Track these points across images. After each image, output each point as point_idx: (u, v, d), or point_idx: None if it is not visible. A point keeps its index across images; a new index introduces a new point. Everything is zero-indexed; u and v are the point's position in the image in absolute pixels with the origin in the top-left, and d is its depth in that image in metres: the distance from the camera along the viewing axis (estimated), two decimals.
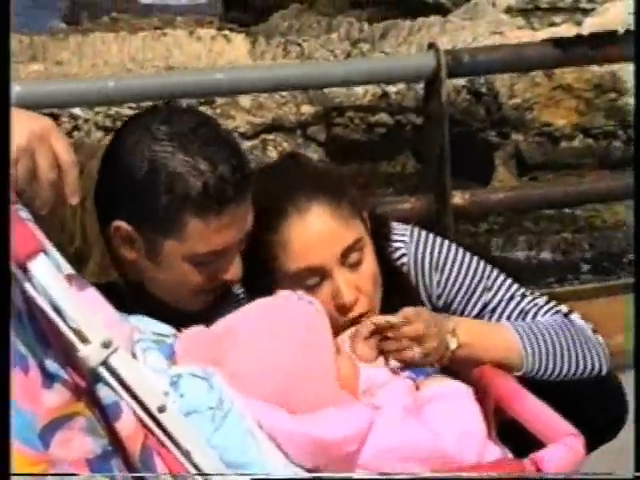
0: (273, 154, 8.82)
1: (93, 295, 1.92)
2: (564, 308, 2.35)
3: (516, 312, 2.32)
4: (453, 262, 2.34)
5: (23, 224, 1.69)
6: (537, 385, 2.16)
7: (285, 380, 1.87)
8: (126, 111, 7.22)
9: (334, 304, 2.13)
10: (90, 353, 1.66)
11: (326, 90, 8.15)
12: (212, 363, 1.88)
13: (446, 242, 2.38)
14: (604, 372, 2.29)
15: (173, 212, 1.95)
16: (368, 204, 2.40)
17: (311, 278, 2.14)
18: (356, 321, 2.14)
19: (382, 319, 2.09)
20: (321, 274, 2.14)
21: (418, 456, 1.88)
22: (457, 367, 2.18)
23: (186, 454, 1.71)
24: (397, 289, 2.30)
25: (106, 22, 11.01)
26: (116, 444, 1.72)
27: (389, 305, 2.22)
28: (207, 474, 1.72)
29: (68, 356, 1.71)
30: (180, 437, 1.71)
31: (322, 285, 2.14)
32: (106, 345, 1.67)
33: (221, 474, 1.75)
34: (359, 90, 8.12)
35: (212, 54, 8.84)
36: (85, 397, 1.73)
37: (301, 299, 1.97)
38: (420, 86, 8.02)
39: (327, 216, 2.12)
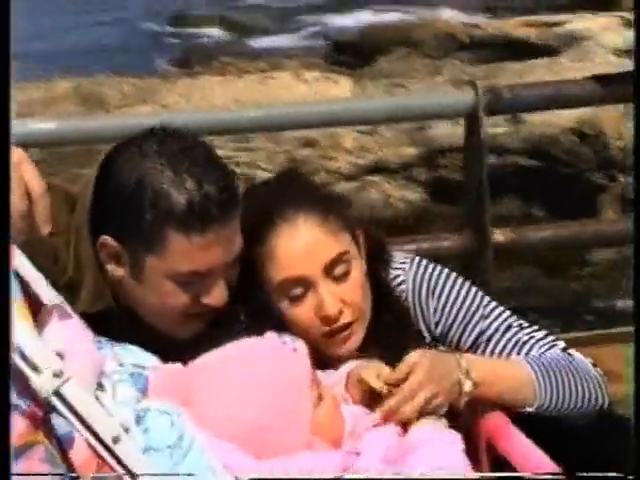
0: (374, 196, 8.77)
1: (73, 325, 1.89)
2: (561, 343, 2.30)
3: (512, 342, 2.28)
4: (450, 289, 2.31)
5: None
6: (540, 420, 2.14)
7: (253, 426, 1.83)
8: None
9: (318, 316, 2.11)
10: (42, 382, 1.64)
11: (429, 132, 8.10)
12: (182, 400, 1.85)
13: (445, 270, 2.35)
14: (605, 405, 2.25)
15: (156, 227, 1.92)
16: (366, 226, 2.37)
17: (295, 288, 2.12)
18: (341, 330, 2.14)
19: (376, 382, 2.01)
20: (305, 285, 2.11)
21: None
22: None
23: None
24: (394, 316, 2.28)
25: (216, 65, 11.09)
26: (72, 473, 1.69)
27: (386, 332, 2.23)
28: None
29: (26, 385, 1.67)
30: (136, 468, 1.67)
31: (307, 296, 2.12)
32: (57, 375, 1.64)
33: None
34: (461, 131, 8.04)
35: (317, 96, 8.79)
36: (42, 426, 1.69)
37: (284, 344, 1.94)
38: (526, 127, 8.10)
39: (313, 228, 2.11)
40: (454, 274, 2.36)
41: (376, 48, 10.80)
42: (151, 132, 2.06)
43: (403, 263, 2.34)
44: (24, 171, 1.73)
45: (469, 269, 3.88)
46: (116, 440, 1.67)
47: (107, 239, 1.98)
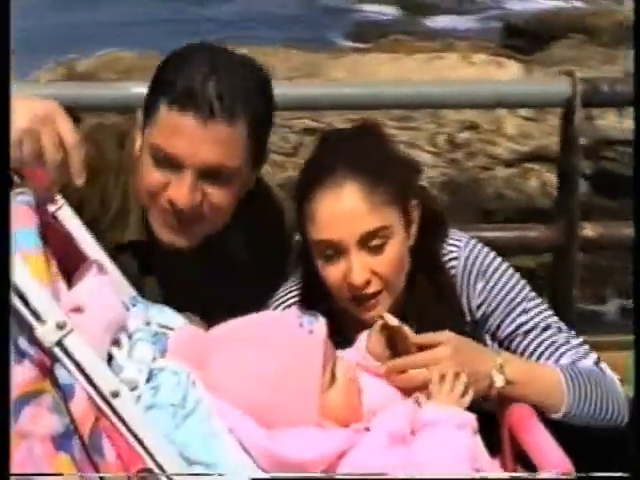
0: (533, 183, 8.56)
1: (103, 281, 1.96)
2: (594, 354, 2.24)
3: (547, 342, 2.22)
4: (500, 276, 2.25)
5: None
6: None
7: (260, 401, 1.82)
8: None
9: (345, 281, 2.09)
10: (45, 333, 1.65)
11: (596, 122, 7.87)
12: (197, 364, 1.86)
13: (498, 258, 2.29)
14: (624, 424, 2.18)
15: (155, 99, 2.05)
16: (428, 199, 2.33)
17: (329, 250, 2.10)
18: (368, 298, 2.11)
19: (393, 319, 2.03)
20: (339, 250, 2.08)
21: None
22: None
23: (140, 442, 1.68)
24: (438, 290, 2.25)
25: (388, 43, 11.03)
26: (72, 424, 1.72)
27: (426, 305, 2.22)
28: (160, 465, 1.69)
29: (34, 335, 1.69)
30: (134, 424, 1.68)
31: (339, 260, 2.10)
32: (60, 326, 1.65)
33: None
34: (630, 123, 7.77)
35: (483, 78, 8.66)
36: (49, 375, 1.72)
37: (301, 326, 1.89)
38: None
39: (358, 198, 2.06)
40: (506, 263, 2.30)
41: (550, 34, 10.58)
42: (200, 45, 2.18)
43: (458, 241, 2.29)
44: (58, 123, 1.72)
45: (555, 261, 3.73)
46: (115, 394, 1.68)
47: (139, 115, 2.11)
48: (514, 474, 1.98)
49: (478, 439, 1.96)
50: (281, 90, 2.44)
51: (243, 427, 1.78)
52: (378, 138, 2.27)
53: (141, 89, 2.11)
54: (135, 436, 1.68)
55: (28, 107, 1.69)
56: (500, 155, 8.41)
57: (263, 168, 2.31)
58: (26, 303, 1.63)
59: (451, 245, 2.30)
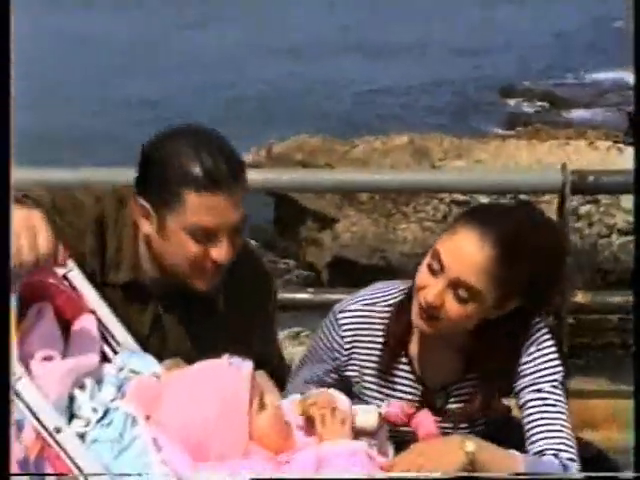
0: None
1: (86, 334, 1.92)
2: (570, 453, 1.98)
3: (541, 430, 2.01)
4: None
5: None
6: None
7: (198, 433, 1.73)
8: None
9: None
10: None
11: None
12: (149, 406, 1.79)
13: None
14: None
15: (176, 189, 1.93)
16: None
17: (435, 270, 1.94)
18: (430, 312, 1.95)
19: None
20: (438, 273, 1.93)
21: None
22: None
23: (79, 469, 1.63)
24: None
25: (529, 131, 10.84)
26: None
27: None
28: None
29: None
30: (74, 454, 1.63)
31: (438, 278, 1.92)
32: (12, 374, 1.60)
33: None
34: None
35: (605, 163, 8.43)
36: None
37: (230, 365, 1.82)
38: None
39: (486, 256, 1.89)
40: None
41: None
42: (179, 128, 2.05)
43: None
44: (36, 230, 1.70)
45: None
46: (58, 430, 1.63)
47: (142, 201, 1.99)
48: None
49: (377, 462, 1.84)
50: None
51: (176, 458, 1.69)
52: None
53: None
54: (75, 464, 1.62)
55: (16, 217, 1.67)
56: (616, 225, 8.17)
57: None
58: None
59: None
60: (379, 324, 2.08)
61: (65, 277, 1.94)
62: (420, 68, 19.18)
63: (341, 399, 1.92)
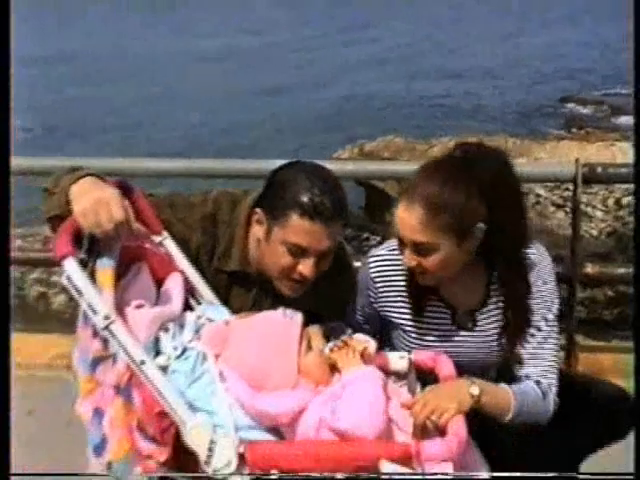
0: None
1: (172, 288, 1.99)
2: (545, 380, 1.99)
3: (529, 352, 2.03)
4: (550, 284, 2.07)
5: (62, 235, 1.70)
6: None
7: (257, 368, 1.78)
8: None
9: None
10: (97, 321, 1.68)
11: None
12: (219, 348, 1.83)
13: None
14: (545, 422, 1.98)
15: (286, 209, 1.96)
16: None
17: (401, 245, 1.99)
18: (418, 275, 2.00)
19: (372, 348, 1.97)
20: (404, 244, 1.97)
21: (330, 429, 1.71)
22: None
23: (160, 394, 1.68)
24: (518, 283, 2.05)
25: (582, 133, 10.53)
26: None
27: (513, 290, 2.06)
28: (173, 409, 1.68)
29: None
30: (155, 382, 1.68)
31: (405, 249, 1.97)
32: (107, 317, 1.67)
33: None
34: None
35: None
36: (109, 346, 1.75)
37: (285, 315, 1.87)
38: None
39: (416, 218, 1.89)
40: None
41: None
42: (303, 162, 2.11)
43: (536, 250, 2.08)
44: (111, 205, 1.72)
45: None
46: (143, 362, 1.68)
47: (259, 211, 2.05)
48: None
49: (395, 390, 1.90)
50: None
51: (238, 388, 1.74)
52: (471, 175, 1.92)
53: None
54: (157, 390, 1.67)
55: (94, 194, 1.72)
56: None
57: None
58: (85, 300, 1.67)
59: (530, 252, 2.04)
60: (403, 266, 2.07)
61: (160, 244, 2.02)
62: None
63: (365, 339, 1.96)
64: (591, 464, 2.16)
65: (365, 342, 1.92)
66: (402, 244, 1.97)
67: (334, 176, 2.05)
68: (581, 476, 2.05)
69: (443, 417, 1.73)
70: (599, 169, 3.06)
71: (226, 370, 1.78)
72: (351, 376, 1.79)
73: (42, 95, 19.32)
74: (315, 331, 1.90)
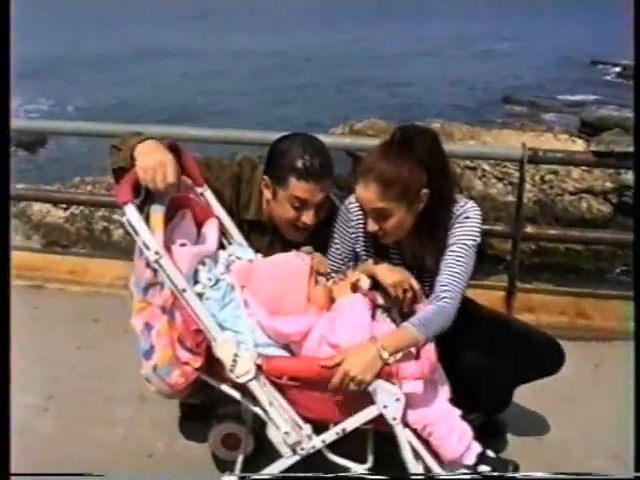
0: (584, 204, 7.86)
1: (209, 230, 1.87)
2: (444, 295, 1.78)
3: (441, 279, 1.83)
4: (470, 225, 1.87)
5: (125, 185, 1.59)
6: None
7: (275, 296, 1.70)
8: None
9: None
10: (149, 255, 1.57)
11: None
12: (245, 280, 1.75)
13: (478, 217, 1.88)
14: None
15: (286, 174, 1.88)
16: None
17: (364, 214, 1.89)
18: (379, 235, 1.88)
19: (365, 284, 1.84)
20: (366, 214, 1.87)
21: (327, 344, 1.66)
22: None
23: (196, 316, 1.61)
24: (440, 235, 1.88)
25: (518, 125, 10.32)
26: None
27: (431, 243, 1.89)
28: (207, 327, 1.62)
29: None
30: (194, 306, 1.61)
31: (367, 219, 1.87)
32: (157, 253, 1.57)
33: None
34: None
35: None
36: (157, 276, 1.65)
37: (297, 256, 1.79)
38: None
39: (372, 192, 1.77)
40: (478, 222, 1.86)
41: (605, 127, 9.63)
42: (296, 134, 1.98)
43: (464, 203, 1.88)
44: (167, 167, 1.63)
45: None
46: (184, 290, 1.59)
47: (266, 178, 1.95)
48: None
49: (382, 317, 1.80)
50: None
51: (258, 313, 1.67)
52: (418, 151, 1.76)
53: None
54: (194, 312, 1.60)
55: (156, 156, 1.62)
56: (567, 189, 7.79)
57: None
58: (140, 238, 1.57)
59: (459, 204, 1.86)
60: None
61: (202, 195, 1.91)
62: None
63: (359, 275, 1.85)
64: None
65: (358, 275, 1.83)
66: (364, 213, 1.87)
67: (322, 143, 1.93)
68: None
69: (362, 386, 1.60)
70: (540, 153, 2.95)
71: (249, 299, 1.69)
72: (343, 302, 1.74)
73: None
74: (319, 259, 1.86)
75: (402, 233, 1.86)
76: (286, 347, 1.68)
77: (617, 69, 20.98)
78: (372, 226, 1.83)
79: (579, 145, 8.24)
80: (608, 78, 20.41)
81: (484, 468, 1.71)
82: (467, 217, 1.84)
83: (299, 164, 1.85)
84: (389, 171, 1.73)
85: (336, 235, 1.99)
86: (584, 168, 7.56)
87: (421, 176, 1.75)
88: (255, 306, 1.67)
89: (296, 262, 1.74)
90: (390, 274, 1.81)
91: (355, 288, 1.79)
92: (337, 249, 1.99)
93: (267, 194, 1.97)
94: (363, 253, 1.98)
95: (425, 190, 1.77)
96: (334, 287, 1.80)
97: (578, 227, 7.14)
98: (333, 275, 1.94)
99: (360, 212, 1.93)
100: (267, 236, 2.04)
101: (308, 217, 1.91)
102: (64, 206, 6.28)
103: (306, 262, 1.74)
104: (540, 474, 1.70)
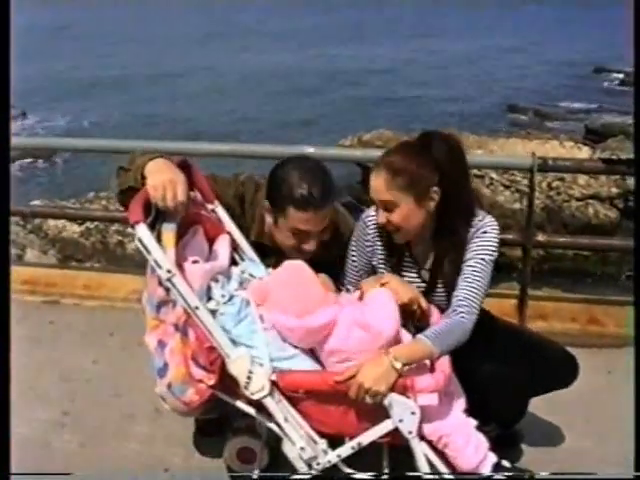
0: (591, 210, 7.79)
1: (221, 247, 1.83)
2: (461, 309, 1.73)
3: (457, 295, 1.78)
4: (487, 241, 1.82)
5: (136, 204, 1.56)
6: None
7: (300, 296, 1.69)
8: None
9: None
10: (161, 273, 1.55)
11: None
12: (262, 297, 1.72)
13: (495, 233, 1.82)
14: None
15: (285, 203, 1.82)
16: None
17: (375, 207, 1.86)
18: (389, 230, 1.85)
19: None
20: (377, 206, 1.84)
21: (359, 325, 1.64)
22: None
23: (209, 333, 1.58)
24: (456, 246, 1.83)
25: (524, 133, 10.29)
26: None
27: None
28: (219, 344, 1.60)
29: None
30: (206, 323, 1.58)
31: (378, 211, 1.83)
32: (169, 271, 1.54)
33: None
34: None
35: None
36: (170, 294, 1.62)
37: (292, 263, 1.79)
38: None
39: (381, 181, 1.75)
40: (495, 239, 1.81)
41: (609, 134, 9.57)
42: (295, 158, 1.90)
43: (482, 217, 1.83)
44: (177, 185, 1.60)
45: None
46: (197, 308, 1.56)
47: (267, 204, 1.88)
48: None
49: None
50: None
51: (283, 320, 1.65)
52: (421, 157, 1.75)
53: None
54: (207, 329, 1.57)
55: (166, 175, 1.60)
56: (574, 195, 7.74)
57: None
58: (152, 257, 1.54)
59: (477, 217, 1.81)
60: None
61: (213, 211, 1.88)
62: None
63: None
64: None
65: (388, 278, 1.81)
66: (375, 206, 1.83)
67: (322, 168, 1.85)
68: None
69: (377, 398, 1.56)
70: (550, 161, 2.90)
71: (264, 314, 1.66)
72: (373, 293, 1.72)
73: None
74: (323, 279, 1.81)
75: (412, 230, 1.81)
76: (309, 352, 1.65)
77: (620, 76, 20.89)
78: (381, 217, 1.80)
79: (585, 152, 8.20)
80: (612, 85, 20.33)
81: (500, 477, 1.67)
82: (485, 232, 1.80)
83: (297, 194, 1.76)
84: (398, 161, 1.72)
85: (353, 248, 1.95)
86: (590, 174, 7.52)
87: (431, 174, 1.73)
88: (280, 316, 1.64)
89: (292, 262, 1.75)
90: (405, 290, 1.77)
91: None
92: (354, 262, 1.95)
93: (268, 218, 1.91)
94: (380, 267, 1.94)
95: (435, 188, 1.74)
96: (364, 285, 1.80)
97: (586, 232, 7.08)
98: (349, 288, 1.90)
99: (377, 226, 1.89)
100: (271, 257, 1.98)
101: (310, 245, 1.85)
102: (79, 221, 6.31)
103: (302, 264, 1.74)
104: (541, 474, 1.67)
